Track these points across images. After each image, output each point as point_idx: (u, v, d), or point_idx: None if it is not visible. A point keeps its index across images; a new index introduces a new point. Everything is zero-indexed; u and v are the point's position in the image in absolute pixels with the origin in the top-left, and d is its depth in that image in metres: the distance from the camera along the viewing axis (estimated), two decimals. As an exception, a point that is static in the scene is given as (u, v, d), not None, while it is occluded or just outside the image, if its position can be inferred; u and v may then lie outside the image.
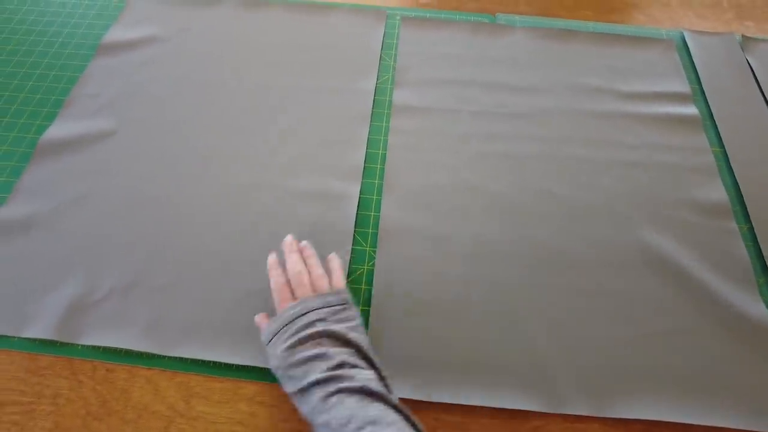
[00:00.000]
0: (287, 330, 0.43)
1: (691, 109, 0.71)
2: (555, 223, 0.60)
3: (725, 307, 0.55)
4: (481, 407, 0.50)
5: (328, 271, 0.50)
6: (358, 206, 0.60)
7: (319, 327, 0.43)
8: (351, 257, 0.57)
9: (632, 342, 0.53)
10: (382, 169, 0.63)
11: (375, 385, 0.39)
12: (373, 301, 0.54)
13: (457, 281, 0.56)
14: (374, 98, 0.70)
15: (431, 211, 0.60)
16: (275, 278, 0.49)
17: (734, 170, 0.65)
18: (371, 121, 0.68)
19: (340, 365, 0.40)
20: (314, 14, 0.79)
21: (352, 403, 0.38)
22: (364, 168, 0.63)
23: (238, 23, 0.77)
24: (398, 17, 0.79)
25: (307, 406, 0.40)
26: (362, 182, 0.62)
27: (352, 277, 0.56)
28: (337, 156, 0.64)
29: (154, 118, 0.67)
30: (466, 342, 0.52)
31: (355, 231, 0.59)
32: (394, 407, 0.38)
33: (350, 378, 0.39)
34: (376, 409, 0.37)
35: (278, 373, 0.43)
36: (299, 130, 0.66)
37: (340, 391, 0.38)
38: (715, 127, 0.70)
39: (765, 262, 0.59)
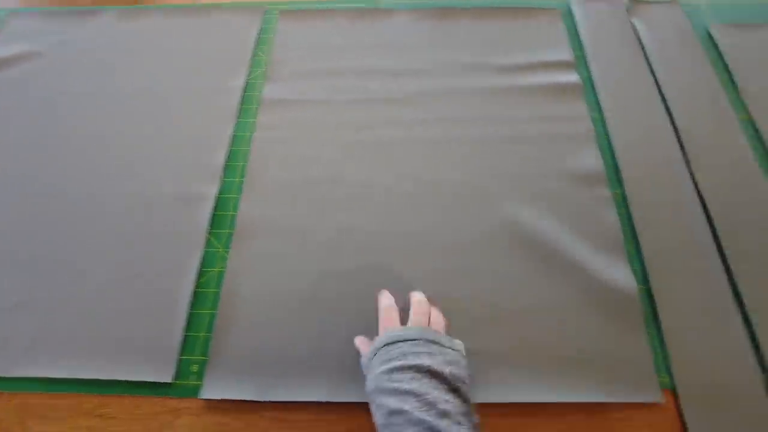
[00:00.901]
0: (390, 350, 0.39)
1: (573, 77, 0.69)
2: (421, 207, 0.59)
3: (593, 277, 0.53)
4: (329, 403, 0.48)
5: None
6: (215, 207, 0.59)
7: (426, 361, 0.37)
8: (202, 261, 0.56)
9: (495, 322, 0.51)
10: (245, 167, 0.62)
11: None
12: (220, 303, 0.53)
13: (312, 276, 0.54)
14: (244, 95, 0.69)
15: (292, 206, 0.59)
16: (383, 298, 0.46)
17: (610, 135, 0.63)
18: (239, 119, 0.66)
19: (444, 414, 0.34)
20: (193, 17, 0.78)
21: None
22: (226, 167, 0.62)
23: (115, 33, 0.77)
24: (277, 11, 0.77)
25: None
26: (223, 182, 0.61)
27: (202, 279, 0.54)
28: (198, 157, 0.62)
29: (29, 133, 0.66)
30: (314, 337, 0.51)
31: (210, 233, 0.57)
32: None
33: None
34: None
35: (370, 398, 0.38)
36: (164, 134, 0.65)
37: None
38: (596, 93, 0.68)
39: (635, 227, 0.56)
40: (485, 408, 0.46)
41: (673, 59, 0.70)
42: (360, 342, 0.46)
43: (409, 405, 0.34)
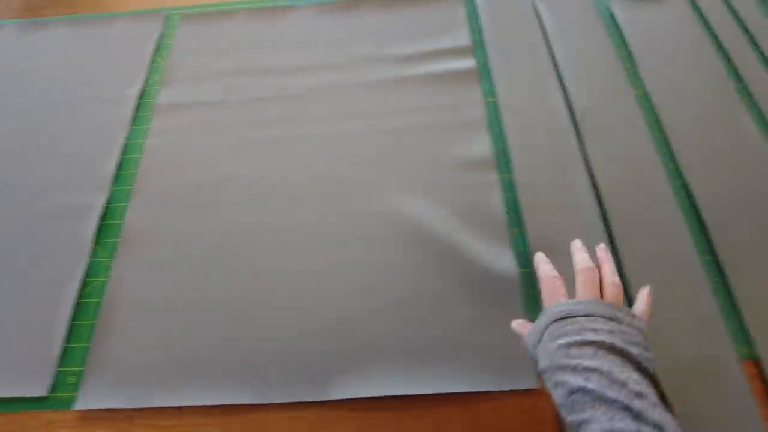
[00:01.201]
0: (562, 325, 0.34)
1: (470, 63, 0.68)
2: (309, 203, 0.58)
3: (476, 263, 0.53)
4: (198, 407, 0.48)
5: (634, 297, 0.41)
6: (103, 217, 0.58)
7: (606, 338, 0.32)
8: (86, 271, 0.56)
9: (371, 315, 0.51)
10: (136, 174, 0.61)
11: None
12: (101, 312, 0.52)
13: (195, 280, 0.54)
14: (139, 102, 0.68)
15: (180, 210, 0.58)
16: (543, 265, 0.41)
17: (503, 119, 0.62)
18: (132, 126, 0.66)
19: (639, 395, 0.29)
20: (94, 27, 0.77)
21: None
22: (117, 175, 0.62)
23: (16, 48, 0.76)
24: (178, 16, 0.77)
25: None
26: (112, 190, 0.60)
27: (85, 290, 0.54)
28: (88, 167, 0.62)
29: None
30: (192, 342, 0.50)
31: (97, 243, 0.57)
32: None
33: (656, 425, 0.28)
34: None
35: (546, 376, 0.34)
36: (56, 146, 0.65)
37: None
38: (492, 78, 0.67)
39: (520, 211, 0.56)
40: (358, 403, 0.46)
41: (573, 39, 0.69)
42: (519, 325, 0.41)
43: (593, 383, 0.30)
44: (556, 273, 0.40)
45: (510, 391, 0.47)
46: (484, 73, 0.67)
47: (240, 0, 0.78)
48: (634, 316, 0.36)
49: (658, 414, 0.28)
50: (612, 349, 0.32)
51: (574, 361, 0.32)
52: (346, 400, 0.47)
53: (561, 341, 0.34)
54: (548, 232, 0.54)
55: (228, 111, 0.66)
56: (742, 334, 0.48)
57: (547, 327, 0.36)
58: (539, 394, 0.47)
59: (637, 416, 0.28)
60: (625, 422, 0.28)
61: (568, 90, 0.64)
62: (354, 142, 0.61)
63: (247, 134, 0.64)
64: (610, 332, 0.33)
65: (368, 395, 0.46)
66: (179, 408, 0.47)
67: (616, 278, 0.39)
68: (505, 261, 0.52)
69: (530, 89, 0.64)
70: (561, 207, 0.55)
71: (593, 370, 0.31)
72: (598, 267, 0.40)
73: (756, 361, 0.47)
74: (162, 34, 0.75)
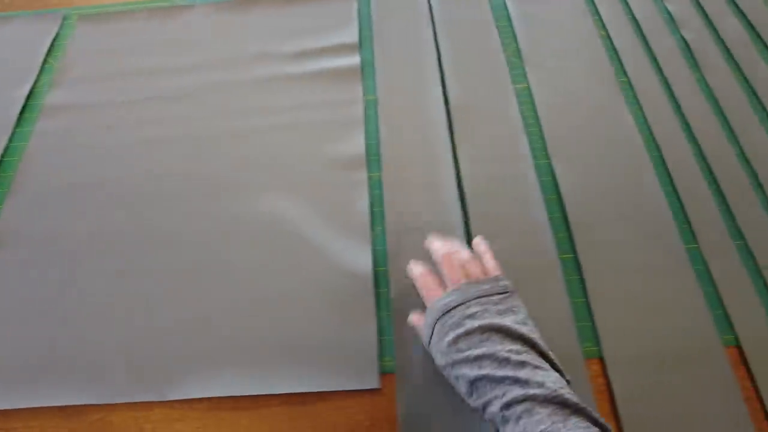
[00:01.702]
0: (444, 322, 0.38)
1: (354, 60, 0.67)
2: (178, 204, 0.58)
3: (336, 264, 0.53)
4: (42, 408, 0.48)
5: (476, 256, 0.44)
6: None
7: (484, 320, 0.37)
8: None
9: (227, 315, 0.51)
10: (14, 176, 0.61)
11: (568, 393, 0.32)
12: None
13: (57, 280, 0.54)
14: (26, 103, 0.68)
15: (53, 211, 0.58)
16: (415, 267, 0.45)
17: (379, 117, 0.62)
18: (16, 128, 0.66)
19: (521, 364, 0.34)
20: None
21: (545, 415, 0.31)
22: (-4, 179, 0.61)
23: None
24: (75, 16, 0.76)
25: (486, 415, 0.35)
26: (-12, 195, 0.60)
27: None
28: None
29: None
30: (41, 343, 0.50)
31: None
32: (595, 421, 0.32)
33: (539, 384, 0.33)
34: (577, 425, 0.31)
35: (446, 372, 0.39)
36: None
37: (527, 399, 0.32)
38: (375, 75, 0.67)
39: (384, 210, 0.56)
40: (200, 402, 0.47)
41: (462, 33, 0.69)
42: (415, 319, 0.44)
43: (486, 368, 0.34)
44: (425, 269, 0.44)
45: (354, 391, 0.46)
46: (368, 70, 0.66)
47: (140, 0, 0.77)
48: (497, 278, 0.41)
49: (540, 375, 0.33)
50: (491, 329, 0.36)
51: (464, 354, 0.36)
52: (190, 399, 0.46)
53: (448, 338, 0.37)
54: (407, 229, 0.53)
55: (116, 112, 0.65)
56: (592, 333, 0.48)
57: (433, 325, 0.39)
58: (381, 393, 0.47)
59: (524, 383, 0.33)
60: (515, 391, 0.32)
61: (448, 86, 0.63)
62: (230, 142, 0.61)
63: (130, 136, 0.63)
64: (485, 311, 0.38)
65: (210, 395, 0.46)
66: (19, 410, 0.47)
67: (468, 252, 0.44)
68: (362, 260, 0.52)
69: (410, 86, 0.64)
70: (424, 205, 0.55)
71: (482, 356, 0.35)
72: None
73: (600, 359, 0.47)
74: (58, 34, 0.75)
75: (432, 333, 0.40)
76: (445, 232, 0.52)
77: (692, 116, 0.61)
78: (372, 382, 0.47)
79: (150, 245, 0.55)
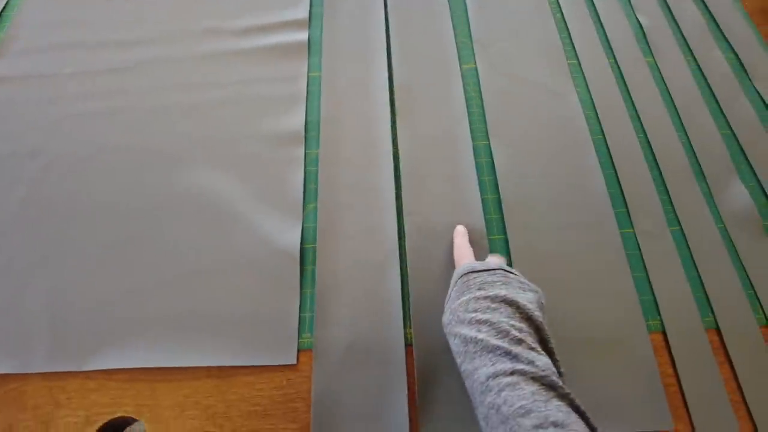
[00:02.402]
0: (465, 281, 0.39)
1: (302, 35, 0.66)
2: (113, 177, 0.57)
3: (266, 239, 0.52)
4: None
5: None
6: None
7: (501, 291, 0.37)
8: None
9: (150, 289, 0.50)
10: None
11: (556, 377, 0.32)
12: None
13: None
14: (-31, 75, 0.66)
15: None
16: (458, 242, 0.48)
17: (322, 94, 0.60)
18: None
19: (518, 341, 0.34)
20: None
21: (528, 391, 0.31)
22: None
23: None
24: (27, -13, 0.75)
25: (468, 380, 0.35)
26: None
27: None
28: None
29: None
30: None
31: None
32: (576, 408, 0.31)
33: (529, 362, 0.33)
34: (558, 408, 0.30)
35: (446, 330, 0.39)
36: None
37: (516, 372, 0.32)
38: (322, 51, 0.66)
39: (318, 187, 0.55)
40: (118, 373, 0.46)
41: (414, 14, 0.68)
42: (458, 251, 0.48)
43: (483, 333, 0.35)
44: (467, 244, 0.47)
45: (271, 366, 0.46)
46: (315, 47, 0.65)
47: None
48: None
49: (533, 355, 0.33)
50: (504, 301, 0.36)
51: (470, 315, 0.36)
52: (109, 370, 0.46)
53: (464, 297, 0.38)
54: (340, 208, 0.53)
55: (59, 84, 0.64)
56: None
57: (456, 282, 0.40)
58: (298, 370, 0.46)
59: (515, 357, 0.32)
60: (505, 364, 0.32)
61: (394, 65, 0.62)
62: (173, 116, 0.60)
63: (71, 108, 0.63)
64: (505, 284, 0.38)
65: (127, 366, 0.46)
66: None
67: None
68: (291, 237, 0.51)
69: (356, 64, 0.63)
70: (358, 184, 0.54)
71: (484, 321, 0.35)
72: None
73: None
74: (6, 5, 0.73)
75: (452, 290, 0.40)
76: (376, 209, 0.53)
77: (640, 101, 0.60)
78: (290, 358, 0.46)
79: (82, 216, 0.54)
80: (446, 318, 0.39)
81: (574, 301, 0.48)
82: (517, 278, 0.39)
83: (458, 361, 0.36)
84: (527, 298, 0.37)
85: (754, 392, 0.44)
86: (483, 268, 0.40)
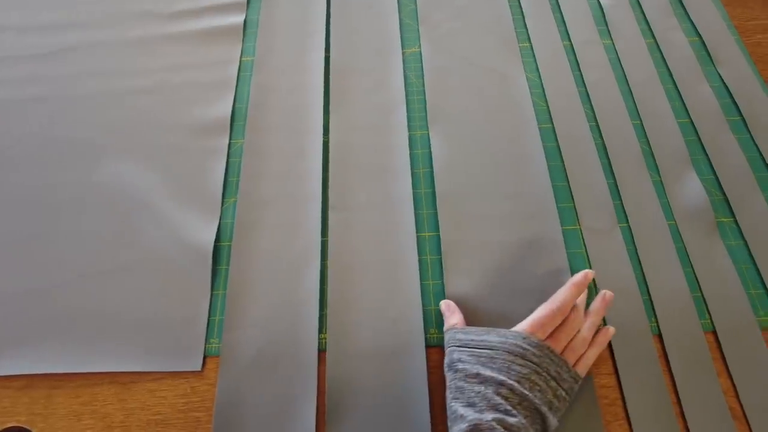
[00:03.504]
0: (508, 353, 0.37)
1: (238, 18, 0.62)
2: (26, 169, 0.54)
3: (179, 237, 0.49)
4: None
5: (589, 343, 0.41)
6: None
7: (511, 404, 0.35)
8: None
9: (53, 289, 0.47)
10: None
11: None
12: None
13: None
14: None
15: None
16: (557, 302, 0.40)
17: (253, 79, 0.57)
18: None
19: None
20: None
21: None
22: None
23: None
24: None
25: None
26: None
27: None
28: None
29: None
30: None
31: None
32: None
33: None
34: None
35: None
36: None
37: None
38: (257, 35, 0.62)
39: (239, 180, 0.52)
40: (16, 379, 0.43)
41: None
42: (447, 308, 0.44)
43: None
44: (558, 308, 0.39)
45: (172, 372, 0.43)
46: (251, 30, 0.61)
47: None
48: (575, 376, 0.38)
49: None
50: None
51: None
52: (6, 376, 0.43)
53: (464, 369, 0.37)
54: (260, 202, 0.49)
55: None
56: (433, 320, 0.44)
57: (448, 347, 0.39)
58: (201, 377, 0.43)
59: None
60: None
61: (332, 49, 0.58)
62: (96, 105, 0.57)
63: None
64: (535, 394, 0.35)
65: (23, 372, 0.43)
66: None
67: (588, 335, 0.40)
68: (206, 234, 0.48)
69: (292, 47, 0.59)
70: (282, 176, 0.51)
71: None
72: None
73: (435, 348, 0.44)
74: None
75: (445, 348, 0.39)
76: (301, 202, 0.50)
77: (594, 87, 0.56)
78: (195, 364, 0.43)
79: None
80: (446, 359, 0.38)
81: (509, 300, 0.44)
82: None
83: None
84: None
85: (690, 398, 0.40)
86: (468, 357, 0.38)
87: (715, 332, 0.44)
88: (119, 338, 0.44)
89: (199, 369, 0.43)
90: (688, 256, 0.47)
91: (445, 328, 0.42)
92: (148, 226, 0.49)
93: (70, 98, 0.57)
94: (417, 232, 0.48)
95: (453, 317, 0.42)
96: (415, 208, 0.49)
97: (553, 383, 0.36)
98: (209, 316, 0.45)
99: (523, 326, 0.38)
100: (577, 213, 0.49)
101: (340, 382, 0.41)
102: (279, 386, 0.41)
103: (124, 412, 0.42)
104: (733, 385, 0.42)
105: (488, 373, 0.35)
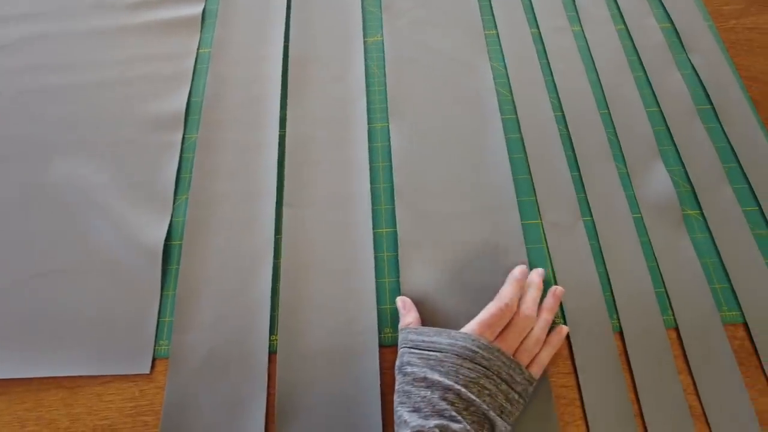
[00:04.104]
0: (457, 356, 0.36)
1: (196, 9, 0.60)
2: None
3: (129, 236, 0.47)
4: None
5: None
6: None
7: (480, 398, 0.34)
8: None
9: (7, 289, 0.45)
10: None
11: None
12: None
13: None
14: None
15: None
16: (505, 299, 0.39)
17: (209, 72, 0.55)
18: None
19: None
20: None
21: None
22: None
23: None
24: None
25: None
26: None
27: None
28: None
29: None
30: None
31: None
32: None
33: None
34: None
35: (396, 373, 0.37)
36: None
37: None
38: (216, 27, 0.60)
39: (192, 175, 0.51)
40: None
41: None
42: (403, 305, 0.43)
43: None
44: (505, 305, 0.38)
45: (120, 375, 0.42)
46: (210, 21, 0.59)
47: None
48: (530, 378, 0.37)
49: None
50: (475, 413, 0.34)
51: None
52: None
53: (416, 369, 0.36)
54: (213, 199, 0.48)
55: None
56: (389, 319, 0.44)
57: (400, 347, 0.38)
58: (150, 380, 0.42)
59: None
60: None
61: (291, 39, 0.56)
62: (47, 99, 0.55)
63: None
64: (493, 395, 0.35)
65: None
66: None
67: (542, 335, 0.39)
68: (156, 232, 0.47)
69: (250, 38, 0.57)
70: (236, 172, 0.49)
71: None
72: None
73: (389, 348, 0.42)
74: None
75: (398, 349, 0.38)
76: (253, 201, 0.48)
77: (561, 75, 0.55)
78: (143, 367, 0.42)
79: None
80: (398, 361, 0.38)
81: (467, 298, 0.43)
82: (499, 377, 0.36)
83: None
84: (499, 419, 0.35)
85: (649, 397, 0.40)
86: (471, 351, 0.36)
87: (677, 329, 0.42)
88: (66, 341, 0.43)
89: (147, 372, 0.42)
90: (652, 250, 0.45)
91: (399, 326, 0.40)
92: (98, 225, 0.47)
93: (24, 92, 0.56)
94: (374, 228, 0.46)
95: (408, 315, 0.40)
96: (373, 204, 0.47)
97: (504, 386, 0.35)
98: (159, 318, 0.44)
99: (471, 327, 0.37)
100: (538, 207, 0.47)
101: (290, 384, 0.40)
102: (229, 388, 0.40)
103: (70, 418, 0.41)
104: (694, 383, 0.41)
105: (435, 377, 0.34)
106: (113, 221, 0.47)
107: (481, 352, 0.35)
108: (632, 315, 0.43)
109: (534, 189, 0.48)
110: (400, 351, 0.38)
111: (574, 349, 0.42)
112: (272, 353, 0.42)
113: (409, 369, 0.36)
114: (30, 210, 0.48)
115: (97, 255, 0.46)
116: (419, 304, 0.42)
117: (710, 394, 0.40)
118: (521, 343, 0.38)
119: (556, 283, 0.44)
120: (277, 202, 0.48)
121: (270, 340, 0.42)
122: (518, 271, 0.41)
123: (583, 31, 0.58)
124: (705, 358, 0.41)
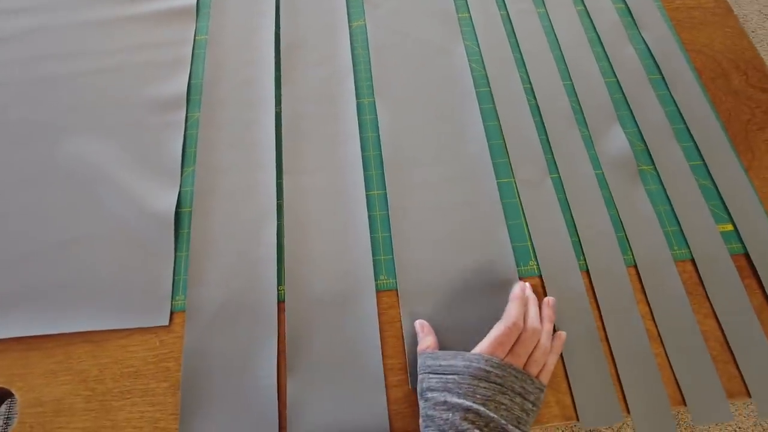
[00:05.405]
0: (423, 385, 0.40)
1: (191, 0, 0.64)
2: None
3: (140, 205, 0.51)
4: None
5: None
6: None
7: (493, 416, 0.36)
8: None
9: (22, 259, 0.49)
10: None
11: None
12: None
13: None
14: None
15: None
16: (512, 318, 0.42)
17: (206, 57, 0.59)
18: None
19: None
20: None
21: None
22: None
23: None
24: None
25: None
26: None
27: None
28: None
29: None
30: None
31: None
32: None
33: None
34: None
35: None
36: None
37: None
38: (210, 15, 0.64)
39: (197, 150, 0.55)
40: None
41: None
42: (422, 329, 0.45)
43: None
44: (512, 324, 0.41)
45: (141, 328, 0.46)
46: (204, 10, 0.64)
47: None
48: (540, 386, 0.40)
49: None
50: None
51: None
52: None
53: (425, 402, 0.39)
54: (218, 168, 0.52)
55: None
56: (391, 267, 0.49)
57: (420, 373, 0.41)
58: (169, 331, 0.46)
59: None
60: None
61: (282, 25, 0.61)
62: (54, 87, 0.59)
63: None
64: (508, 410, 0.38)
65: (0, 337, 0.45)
66: None
67: (547, 344, 0.42)
68: (167, 201, 0.51)
69: (243, 24, 0.62)
70: (238, 143, 0.54)
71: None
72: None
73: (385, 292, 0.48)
74: None
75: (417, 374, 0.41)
76: (255, 170, 0.52)
77: (529, 52, 0.61)
78: (162, 319, 0.46)
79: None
80: (418, 387, 0.40)
81: (450, 252, 0.48)
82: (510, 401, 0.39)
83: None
84: None
85: (613, 324, 0.46)
86: (437, 386, 0.40)
87: (636, 266, 0.49)
88: (90, 300, 0.47)
89: (166, 324, 0.46)
90: (613, 200, 0.51)
91: (418, 349, 0.43)
92: (112, 198, 0.52)
93: (32, 81, 0.59)
94: (366, 191, 0.52)
95: (426, 339, 0.43)
96: (365, 170, 0.53)
97: (518, 399, 0.38)
98: (174, 276, 0.48)
99: (483, 347, 0.40)
100: (511, 167, 0.53)
101: (298, 328, 0.45)
102: (242, 334, 0.45)
103: (99, 368, 0.45)
104: (651, 311, 0.47)
105: (455, 399, 0.37)
106: (127, 193, 0.51)
107: (494, 371, 0.38)
108: (596, 256, 0.49)
109: (507, 152, 0.54)
110: (420, 377, 0.40)
111: (546, 285, 0.47)
112: (281, 302, 0.47)
113: (429, 395, 0.38)
114: (48, 186, 0.53)
115: (115, 223, 0.50)
116: (410, 251, 0.48)
117: (664, 319, 0.46)
118: (530, 355, 0.41)
119: (529, 232, 0.50)
120: (277, 171, 0.52)
121: (278, 290, 0.47)
122: (518, 288, 0.45)
123: (547, 12, 0.64)
124: (659, 290, 0.47)
